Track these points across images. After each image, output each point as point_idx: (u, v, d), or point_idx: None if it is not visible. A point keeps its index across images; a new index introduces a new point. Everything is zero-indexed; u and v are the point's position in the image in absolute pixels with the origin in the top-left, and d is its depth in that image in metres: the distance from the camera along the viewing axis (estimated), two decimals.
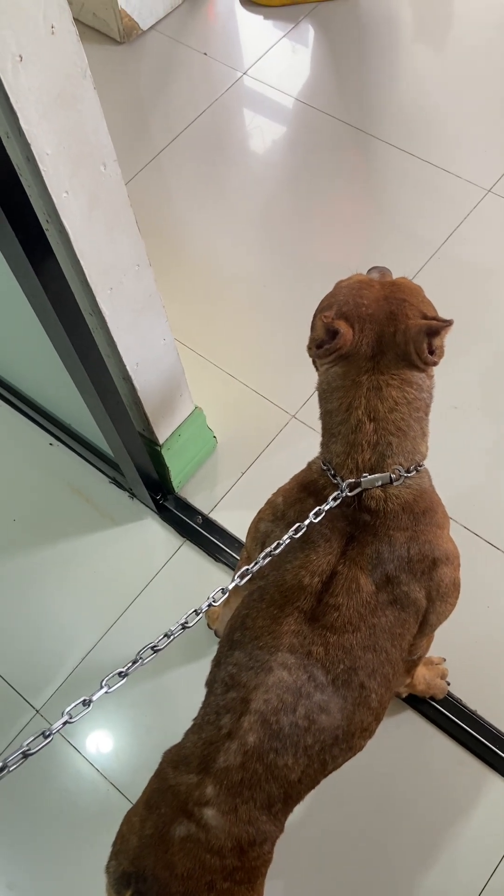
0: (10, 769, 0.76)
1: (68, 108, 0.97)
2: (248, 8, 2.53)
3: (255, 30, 2.50)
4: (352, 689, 1.01)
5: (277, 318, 2.00)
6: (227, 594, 0.97)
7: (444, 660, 1.56)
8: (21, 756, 0.77)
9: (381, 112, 2.30)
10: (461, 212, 2.09)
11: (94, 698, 0.83)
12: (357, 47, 2.43)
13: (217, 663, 1.08)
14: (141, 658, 0.88)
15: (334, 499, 1.03)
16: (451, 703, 1.53)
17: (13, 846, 1.51)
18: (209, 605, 0.94)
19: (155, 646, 0.90)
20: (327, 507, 1.03)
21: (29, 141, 0.95)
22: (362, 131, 2.27)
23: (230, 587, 0.96)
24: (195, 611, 0.93)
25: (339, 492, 1.03)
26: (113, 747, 1.58)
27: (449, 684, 1.54)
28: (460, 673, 1.56)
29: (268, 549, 1.01)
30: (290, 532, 1.03)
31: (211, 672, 1.09)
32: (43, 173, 0.99)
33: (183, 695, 1.59)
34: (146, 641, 1.65)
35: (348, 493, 1.03)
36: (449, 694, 1.54)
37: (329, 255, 2.07)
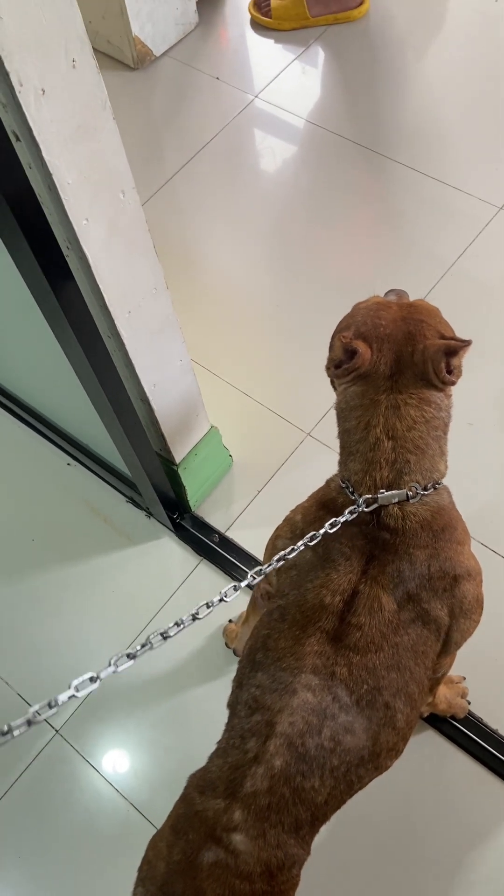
0: (14, 735, 0.76)
1: (89, 138, 0.99)
2: (258, 32, 2.58)
3: (266, 53, 2.54)
4: (376, 710, 1.01)
5: (291, 337, 2.01)
6: (238, 591, 0.96)
7: (465, 678, 1.55)
8: (25, 723, 0.77)
9: (392, 132, 2.32)
10: (473, 229, 2.11)
11: (102, 676, 0.84)
12: (367, 69, 2.46)
13: (239, 684, 1.08)
14: (150, 643, 0.89)
15: (350, 512, 1.04)
16: (473, 722, 1.52)
17: (35, 867, 1.51)
18: (220, 601, 0.95)
19: (165, 633, 0.91)
20: (343, 520, 1.04)
21: (51, 171, 0.97)
22: (374, 151, 2.29)
23: (242, 585, 0.97)
24: (206, 604, 0.94)
25: (355, 506, 1.04)
26: (132, 768, 1.58)
27: (470, 703, 1.53)
28: (481, 692, 1.55)
29: (281, 553, 1.02)
30: (305, 539, 1.04)
31: (233, 693, 1.09)
32: (64, 202, 1.02)
33: (202, 715, 1.59)
34: (164, 660, 1.67)
35: (364, 509, 1.04)
36: (470, 713, 1.53)
37: (342, 274, 2.08)
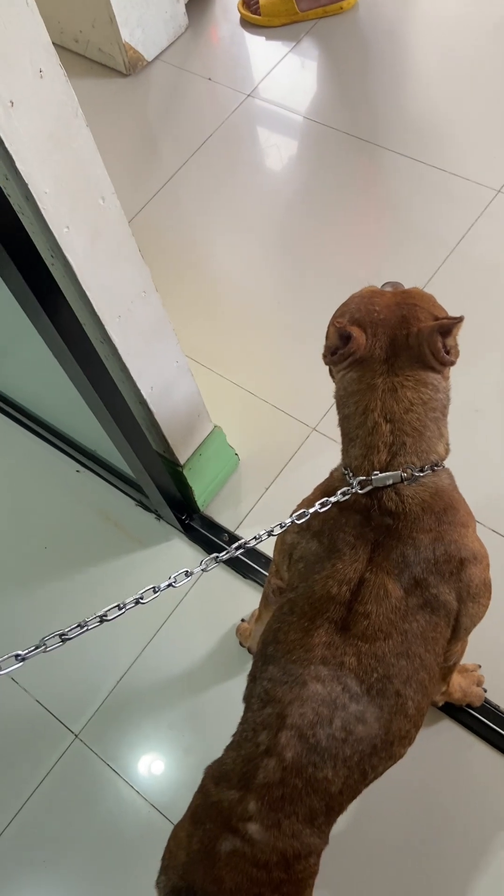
0: None
1: (63, 146, 1.00)
2: (249, 30, 2.58)
3: (257, 51, 2.54)
4: (387, 698, 1.00)
5: (294, 332, 2.01)
6: (189, 577, 1.00)
7: (479, 666, 1.53)
8: None
9: (387, 122, 2.30)
10: (473, 213, 2.08)
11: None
12: (359, 60, 2.45)
13: (252, 678, 1.09)
14: (87, 624, 0.94)
15: (343, 493, 1.04)
16: (489, 710, 1.51)
17: (59, 871, 1.53)
18: (168, 586, 0.98)
19: (104, 616, 0.94)
20: (334, 500, 1.05)
21: (27, 181, 0.98)
22: (370, 142, 2.28)
23: (195, 570, 1.02)
24: (153, 588, 0.98)
25: (347, 487, 1.04)
26: (152, 769, 1.59)
27: (486, 691, 1.52)
28: (497, 679, 1.53)
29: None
30: (293, 516, 1.07)
31: (247, 687, 1.09)
32: (42, 211, 1.02)
33: (219, 715, 1.60)
34: (179, 661, 1.68)
35: (359, 491, 1.04)
36: (486, 701, 1.51)
37: (343, 266, 2.07)
